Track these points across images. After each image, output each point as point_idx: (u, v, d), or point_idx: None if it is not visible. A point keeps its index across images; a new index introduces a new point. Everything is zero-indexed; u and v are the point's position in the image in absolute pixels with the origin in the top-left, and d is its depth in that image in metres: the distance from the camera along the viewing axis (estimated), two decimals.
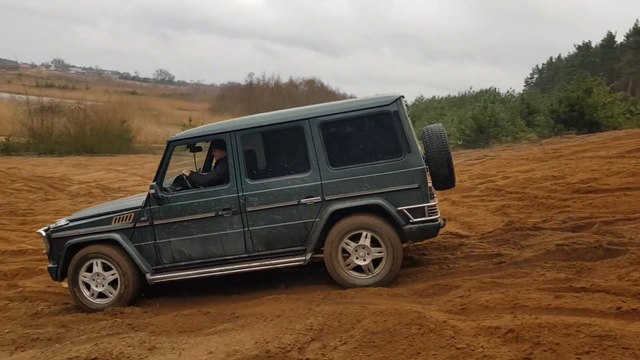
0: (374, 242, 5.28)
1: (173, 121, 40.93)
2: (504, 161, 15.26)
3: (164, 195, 5.48)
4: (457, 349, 3.82)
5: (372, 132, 5.27)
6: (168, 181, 5.84)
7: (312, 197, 5.26)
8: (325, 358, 4.09)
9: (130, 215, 5.57)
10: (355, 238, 5.30)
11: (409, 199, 5.16)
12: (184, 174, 5.72)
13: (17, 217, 10.78)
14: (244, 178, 5.36)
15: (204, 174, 5.90)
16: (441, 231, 6.00)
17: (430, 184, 5.32)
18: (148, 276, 5.60)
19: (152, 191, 5.39)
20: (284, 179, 5.33)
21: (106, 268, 5.64)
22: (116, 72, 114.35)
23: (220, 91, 69.19)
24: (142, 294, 5.89)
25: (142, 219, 5.54)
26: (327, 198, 5.25)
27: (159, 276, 5.61)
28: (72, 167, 18.75)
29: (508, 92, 36.97)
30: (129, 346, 4.64)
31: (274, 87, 59.56)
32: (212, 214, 5.39)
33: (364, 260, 5.30)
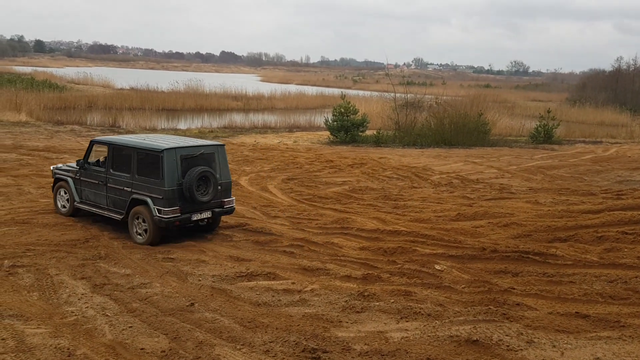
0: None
1: (527, 113, 39.67)
2: None
3: (85, 167, 9.78)
4: None
5: (153, 161, 8.71)
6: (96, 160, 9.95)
7: (128, 188, 9.00)
8: None
9: (75, 171, 9.99)
10: (137, 217, 8.87)
11: (158, 203, 8.58)
12: (99, 159, 9.93)
13: (390, 201, 12.06)
14: (109, 169, 9.35)
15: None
16: None
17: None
18: (76, 203, 9.94)
19: (77, 164, 9.96)
20: (121, 174, 9.15)
21: (66, 192, 10.19)
22: (470, 66, 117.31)
23: (580, 79, 63.75)
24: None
25: (77, 174, 9.94)
26: (133, 190, 8.93)
27: (80, 205, 9.90)
28: (432, 158, 19.98)
29: None
30: (506, 335, 4.69)
31: None
32: (97, 182, 9.56)
33: (140, 229, 8.85)
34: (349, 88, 68.24)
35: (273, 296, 6.28)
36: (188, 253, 8.05)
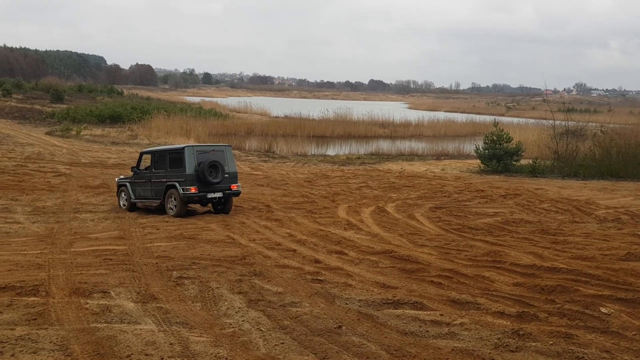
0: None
1: None
2: None
3: (136, 172, 13.89)
4: None
5: (179, 157, 12.94)
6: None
7: (164, 179, 13.13)
8: None
9: (131, 177, 14.01)
10: (170, 197, 13.05)
11: (182, 184, 12.66)
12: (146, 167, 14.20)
13: (549, 236, 11.24)
14: (152, 169, 13.63)
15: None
16: None
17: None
18: (132, 199, 13.80)
19: (131, 170, 14.15)
20: (160, 170, 13.38)
21: (125, 194, 14.09)
22: None
23: None
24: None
25: (132, 179, 13.96)
26: (167, 180, 13.03)
27: (135, 200, 13.81)
28: (597, 191, 18.32)
29: None
30: None
31: None
32: (145, 181, 13.63)
33: (172, 205, 13.01)
34: (502, 115, 65.63)
35: (420, 326, 6.14)
36: (335, 276, 8.19)
